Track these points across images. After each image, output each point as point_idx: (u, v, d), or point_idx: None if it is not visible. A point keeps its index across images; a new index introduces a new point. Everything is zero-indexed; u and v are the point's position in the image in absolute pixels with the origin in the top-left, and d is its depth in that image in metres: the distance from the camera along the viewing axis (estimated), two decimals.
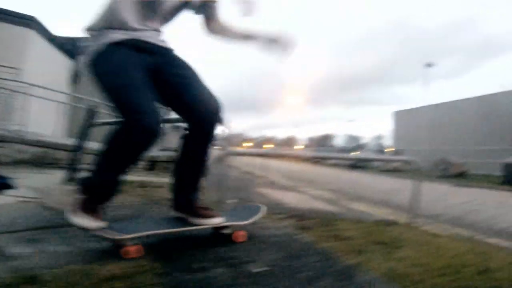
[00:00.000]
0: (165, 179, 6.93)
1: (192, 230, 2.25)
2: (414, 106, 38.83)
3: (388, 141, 50.30)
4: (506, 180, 14.36)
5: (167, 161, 11.13)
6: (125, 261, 1.75)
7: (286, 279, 1.72)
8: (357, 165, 24.52)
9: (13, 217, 2.64)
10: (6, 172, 4.15)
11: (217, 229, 2.34)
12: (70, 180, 4.67)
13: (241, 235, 2.31)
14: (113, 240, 1.91)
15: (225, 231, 2.33)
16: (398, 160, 11.00)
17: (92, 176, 2.01)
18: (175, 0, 2.14)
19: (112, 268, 1.65)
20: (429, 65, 32.80)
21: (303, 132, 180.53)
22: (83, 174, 2.34)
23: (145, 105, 1.87)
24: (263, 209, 2.59)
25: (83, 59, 2.06)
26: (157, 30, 2.19)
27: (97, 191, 2.00)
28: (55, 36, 15.56)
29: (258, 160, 14.84)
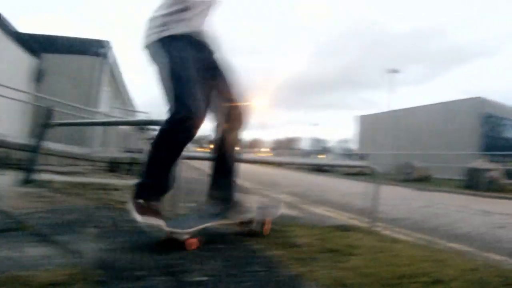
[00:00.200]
0: (126, 181, 6.76)
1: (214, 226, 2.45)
2: (379, 111, 39.49)
3: (353, 145, 51.10)
4: (469, 184, 14.65)
5: (129, 163, 10.87)
6: (66, 268, 1.68)
7: None
8: (322, 168, 24.61)
9: None
10: None
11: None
12: (26, 181, 4.59)
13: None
14: (182, 234, 2.13)
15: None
16: (357, 166, 11.01)
17: (146, 178, 2.20)
18: None
19: (52, 275, 1.57)
20: (394, 71, 33.36)
21: (269, 134, 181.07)
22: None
23: (197, 98, 2.12)
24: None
25: (149, 47, 2.28)
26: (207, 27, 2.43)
27: (153, 191, 2.19)
28: (19, 33, 14.96)
29: None
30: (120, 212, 3.26)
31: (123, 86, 21.54)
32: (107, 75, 15.17)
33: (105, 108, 15.01)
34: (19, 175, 4.73)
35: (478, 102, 32.42)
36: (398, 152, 27.27)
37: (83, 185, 5.03)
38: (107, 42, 15.09)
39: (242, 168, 2.83)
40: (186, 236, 2.13)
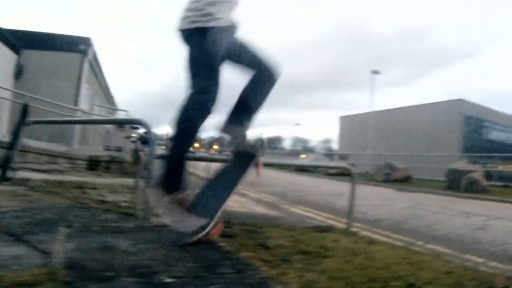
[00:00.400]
0: (104, 180, 6.64)
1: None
2: (360, 111, 39.81)
3: (335, 145, 51.48)
4: (449, 185, 14.79)
5: (109, 161, 10.72)
6: (34, 268, 1.63)
7: None
8: (303, 168, 24.62)
9: None
10: None
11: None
12: (2, 179, 4.54)
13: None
14: (210, 224, 2.28)
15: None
16: (334, 167, 11.04)
17: (169, 170, 2.43)
18: None
19: (18, 275, 1.53)
20: (375, 72, 33.51)
21: (249, 134, 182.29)
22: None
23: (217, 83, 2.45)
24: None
25: (189, 31, 2.46)
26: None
27: (172, 180, 2.40)
28: None
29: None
30: (93, 211, 3.30)
31: (104, 84, 21.28)
32: (87, 72, 14.93)
33: (85, 105, 14.78)
34: None
35: (459, 104, 32.97)
36: (379, 152, 27.43)
37: (61, 184, 5.02)
38: (88, 39, 14.87)
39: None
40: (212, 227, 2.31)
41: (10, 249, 1.95)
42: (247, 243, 2.43)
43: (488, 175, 16.97)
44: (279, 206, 5.91)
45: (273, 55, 2.75)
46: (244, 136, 2.76)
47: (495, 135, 37.99)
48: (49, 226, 2.52)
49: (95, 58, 16.12)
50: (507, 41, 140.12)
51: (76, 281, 1.55)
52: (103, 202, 3.90)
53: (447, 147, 28.38)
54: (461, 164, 15.87)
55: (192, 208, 2.39)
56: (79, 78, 14.37)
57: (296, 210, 5.73)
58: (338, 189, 10.60)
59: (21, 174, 5.22)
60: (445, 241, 4.54)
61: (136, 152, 9.93)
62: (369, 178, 18.17)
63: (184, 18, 2.51)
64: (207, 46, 2.40)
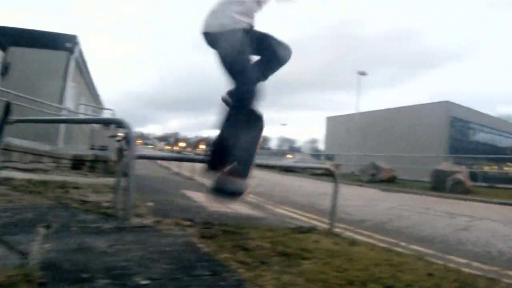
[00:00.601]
0: (87, 179, 6.56)
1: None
2: (347, 112, 39.96)
3: (321, 145, 51.58)
4: (434, 186, 14.88)
5: (93, 160, 10.58)
6: (9, 269, 1.62)
7: None
8: (289, 168, 24.57)
9: None
10: None
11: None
12: None
13: None
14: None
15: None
16: (317, 168, 11.05)
17: (219, 146, 2.73)
18: None
19: None
20: (362, 73, 33.60)
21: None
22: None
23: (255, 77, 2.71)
24: None
25: (219, 31, 2.65)
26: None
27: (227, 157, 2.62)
28: None
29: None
30: (74, 211, 3.27)
31: (90, 82, 21.05)
32: (73, 70, 14.74)
33: (71, 104, 14.59)
34: None
35: (445, 106, 33.25)
36: (364, 153, 27.53)
37: (44, 183, 4.93)
38: (74, 36, 14.66)
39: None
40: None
41: None
42: (226, 245, 2.41)
43: (473, 176, 17.12)
44: (263, 207, 5.88)
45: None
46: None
47: (481, 136, 38.44)
48: (28, 226, 2.49)
49: (81, 56, 15.92)
50: (493, 44, 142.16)
51: (51, 283, 1.54)
52: (85, 202, 3.84)
53: (434, 148, 28.59)
54: (446, 165, 15.98)
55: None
56: (65, 76, 14.17)
57: (280, 210, 5.72)
58: (322, 189, 10.60)
59: (4, 174, 5.17)
60: (428, 241, 4.54)
61: (121, 151, 9.84)
62: (354, 179, 18.21)
63: (214, 17, 2.74)
64: (238, 46, 2.59)
